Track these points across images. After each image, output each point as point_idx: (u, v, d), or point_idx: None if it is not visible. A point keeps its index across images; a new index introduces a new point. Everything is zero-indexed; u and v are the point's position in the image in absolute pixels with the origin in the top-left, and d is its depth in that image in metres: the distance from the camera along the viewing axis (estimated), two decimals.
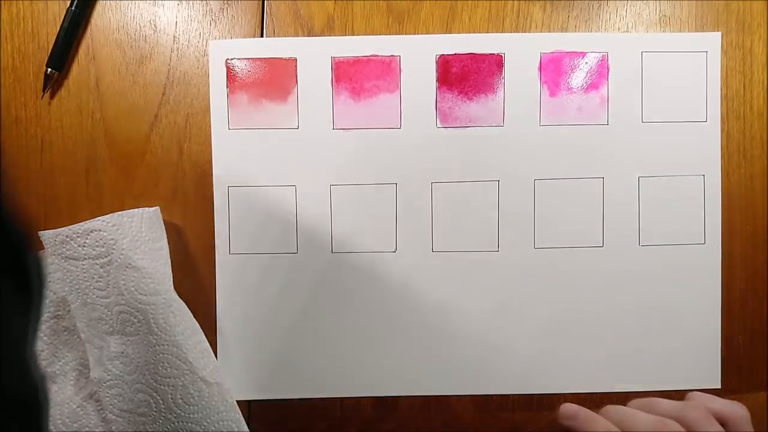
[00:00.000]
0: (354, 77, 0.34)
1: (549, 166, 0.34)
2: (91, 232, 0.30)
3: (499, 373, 0.34)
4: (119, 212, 0.31)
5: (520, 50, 0.34)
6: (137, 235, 0.31)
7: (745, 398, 0.35)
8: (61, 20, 0.33)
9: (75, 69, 0.34)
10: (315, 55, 0.34)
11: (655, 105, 0.35)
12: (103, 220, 0.30)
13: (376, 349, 0.34)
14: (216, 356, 0.34)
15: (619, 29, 0.35)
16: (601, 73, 0.35)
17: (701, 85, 0.35)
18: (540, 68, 0.34)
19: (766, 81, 0.35)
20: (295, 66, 0.34)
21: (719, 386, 0.35)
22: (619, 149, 0.35)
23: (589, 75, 0.35)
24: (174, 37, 0.34)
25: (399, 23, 0.34)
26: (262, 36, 0.34)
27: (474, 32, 0.34)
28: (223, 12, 0.34)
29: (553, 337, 0.34)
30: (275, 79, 0.34)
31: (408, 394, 0.35)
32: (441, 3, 0.34)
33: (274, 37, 0.34)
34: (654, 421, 0.28)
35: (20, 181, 0.34)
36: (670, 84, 0.35)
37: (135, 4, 0.34)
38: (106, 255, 0.30)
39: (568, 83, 0.34)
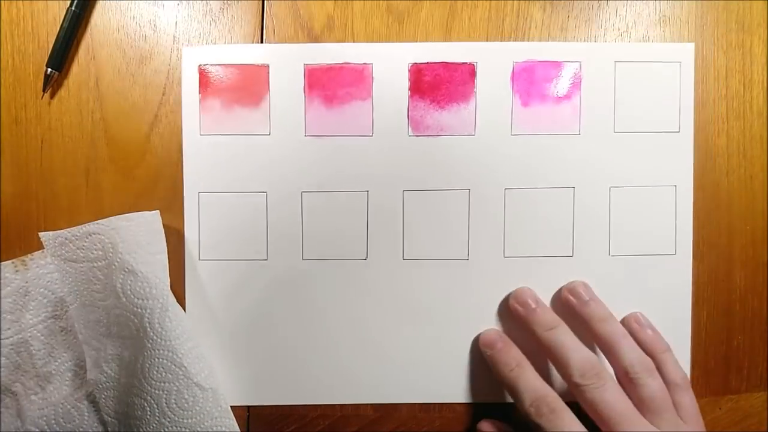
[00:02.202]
0: (326, 84, 0.33)
1: (520, 175, 0.33)
2: (90, 235, 0.29)
3: (477, 380, 0.33)
4: (118, 216, 0.30)
5: (492, 59, 0.33)
6: (135, 240, 0.29)
7: (745, 398, 0.34)
8: (61, 20, 0.32)
9: (75, 69, 0.33)
10: (288, 62, 0.33)
11: (628, 115, 0.33)
12: (102, 224, 0.29)
13: (346, 357, 0.33)
14: None
15: (618, 29, 0.33)
16: (573, 82, 0.33)
17: (674, 95, 0.33)
18: (512, 78, 0.33)
19: (766, 81, 0.34)
20: (268, 72, 0.33)
21: None
22: (590, 159, 0.33)
23: (561, 85, 0.33)
24: (174, 37, 0.33)
25: (399, 23, 0.33)
26: (262, 37, 0.33)
27: (474, 33, 0.33)
28: (223, 12, 0.33)
29: (527, 344, 0.32)
30: (247, 86, 0.33)
31: (366, 402, 0.33)
32: (441, 3, 0.33)
33: (273, 42, 0.33)
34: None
35: (20, 181, 0.33)
36: (643, 94, 0.33)
37: (135, 4, 0.33)
38: (104, 258, 0.29)
39: (541, 93, 0.33)
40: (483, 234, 0.33)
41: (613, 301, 0.32)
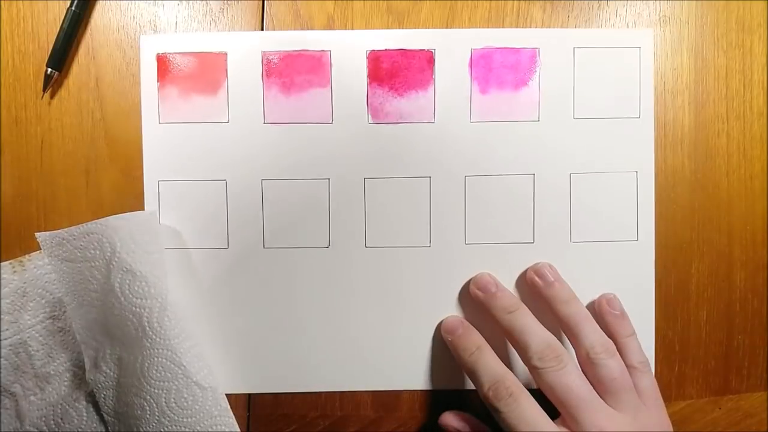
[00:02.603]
0: (284, 72, 0.32)
1: (479, 162, 0.33)
2: (87, 234, 0.28)
3: (440, 367, 0.33)
4: (116, 215, 0.29)
5: (450, 46, 0.32)
6: (133, 239, 0.29)
7: (745, 398, 0.34)
8: (61, 20, 0.32)
9: (75, 69, 0.32)
10: (245, 50, 0.32)
11: (588, 101, 0.33)
12: (99, 223, 0.29)
13: (308, 346, 0.32)
14: None
15: (619, 29, 0.33)
16: (532, 68, 0.33)
17: (634, 81, 0.33)
18: (470, 64, 0.32)
19: (766, 81, 0.34)
20: (226, 60, 0.32)
21: None
22: (550, 146, 0.33)
23: (519, 71, 0.33)
24: None
25: (399, 23, 0.33)
26: None
27: None
28: (223, 12, 0.33)
29: (489, 330, 0.32)
30: (205, 74, 0.32)
31: (325, 390, 0.33)
32: (441, 3, 0.33)
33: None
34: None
35: (20, 181, 0.32)
36: (603, 80, 0.33)
37: (135, 4, 0.32)
38: (102, 258, 0.28)
39: (499, 79, 0.33)
40: (444, 221, 0.33)
41: (575, 287, 0.32)
